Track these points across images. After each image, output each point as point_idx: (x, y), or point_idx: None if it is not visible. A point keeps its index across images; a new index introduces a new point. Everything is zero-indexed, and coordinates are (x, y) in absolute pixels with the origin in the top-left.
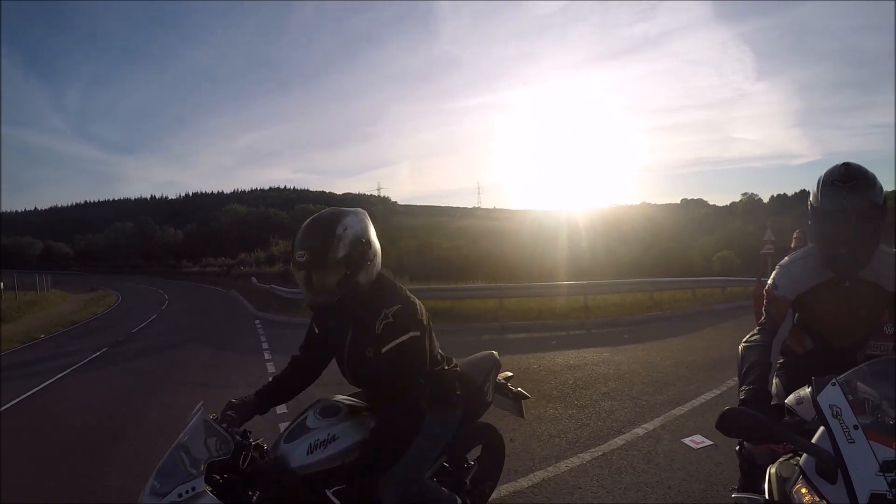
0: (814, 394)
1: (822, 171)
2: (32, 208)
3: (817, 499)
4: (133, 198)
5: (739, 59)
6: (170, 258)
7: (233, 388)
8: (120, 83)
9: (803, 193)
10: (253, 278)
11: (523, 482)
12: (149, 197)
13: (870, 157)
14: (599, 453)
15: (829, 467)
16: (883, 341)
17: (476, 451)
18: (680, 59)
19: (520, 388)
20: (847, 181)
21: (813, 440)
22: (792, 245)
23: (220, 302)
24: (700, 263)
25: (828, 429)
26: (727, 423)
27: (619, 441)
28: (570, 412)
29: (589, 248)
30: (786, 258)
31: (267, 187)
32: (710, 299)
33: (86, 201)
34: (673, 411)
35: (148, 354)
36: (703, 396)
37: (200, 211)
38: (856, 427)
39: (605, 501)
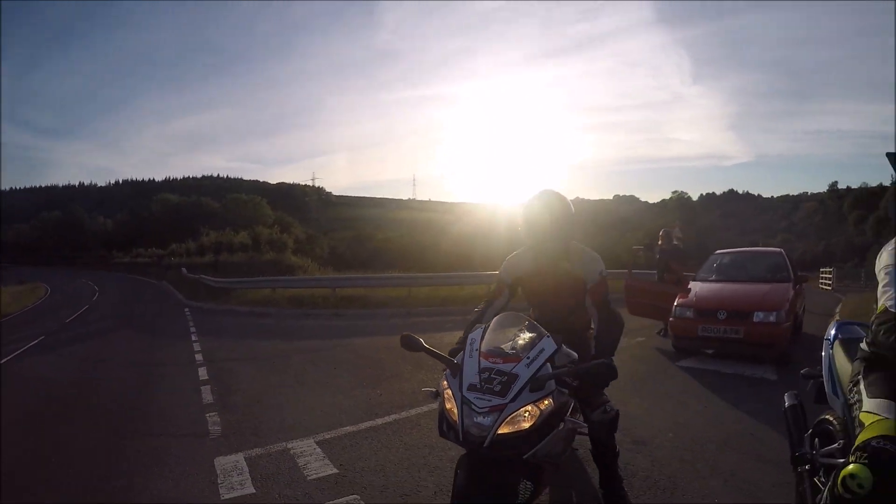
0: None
1: (754, 172)
2: None
3: (446, 383)
4: (61, 185)
5: (678, 63)
6: (100, 248)
7: (163, 366)
8: (51, 64)
9: (731, 193)
10: (183, 269)
11: (388, 418)
12: (77, 184)
13: (800, 161)
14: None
15: (456, 370)
16: (714, 325)
17: None
18: (620, 60)
19: None
20: None
21: (455, 358)
22: (659, 243)
23: (150, 292)
24: (626, 257)
25: (464, 350)
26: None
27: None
28: (432, 375)
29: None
30: (512, 253)
31: (200, 175)
32: (611, 288)
33: (11, 188)
34: None
35: (84, 341)
36: None
37: (131, 199)
38: (476, 350)
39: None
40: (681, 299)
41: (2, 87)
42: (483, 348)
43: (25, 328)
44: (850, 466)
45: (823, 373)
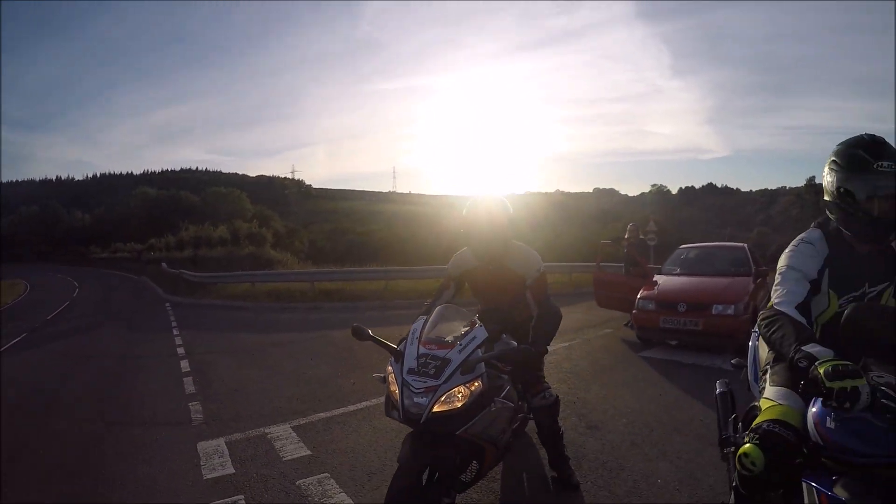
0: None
1: (732, 166)
2: None
3: (390, 369)
4: (38, 179)
5: (657, 57)
6: (78, 244)
7: (146, 359)
8: (22, 54)
9: (710, 186)
10: (163, 263)
11: (360, 405)
12: (54, 178)
13: (777, 156)
14: None
15: (399, 357)
16: (674, 317)
17: None
18: (598, 54)
19: None
20: (881, 158)
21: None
22: (626, 236)
23: (131, 287)
24: (611, 250)
25: (407, 339)
26: None
27: None
28: None
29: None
30: (460, 249)
31: (178, 168)
32: (581, 282)
33: None
34: None
35: (66, 337)
36: None
37: (109, 193)
38: (416, 338)
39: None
40: (644, 292)
41: None
42: (423, 336)
43: (6, 325)
44: (745, 447)
45: (748, 362)
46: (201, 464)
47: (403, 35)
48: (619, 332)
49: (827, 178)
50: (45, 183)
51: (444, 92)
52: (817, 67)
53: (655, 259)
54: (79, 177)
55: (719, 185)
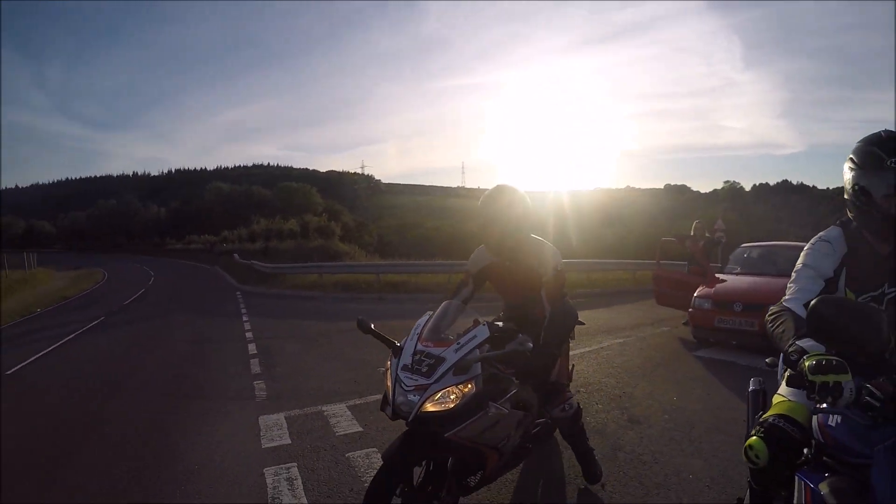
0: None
1: (807, 162)
2: (13, 186)
3: (389, 364)
4: (116, 174)
5: (728, 49)
6: (153, 236)
7: (216, 342)
8: (102, 60)
9: (785, 183)
10: (235, 254)
11: None
12: (131, 174)
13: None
14: None
15: (398, 352)
16: (730, 316)
17: None
18: (669, 47)
19: None
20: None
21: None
22: (691, 233)
23: (204, 277)
24: (675, 247)
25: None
26: None
27: None
28: None
29: (572, 230)
30: (480, 245)
31: (251, 164)
32: (645, 280)
33: (68, 178)
34: None
35: (142, 321)
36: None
37: (184, 188)
38: (416, 335)
39: None
40: (701, 290)
41: (51, 81)
42: (423, 333)
43: (84, 310)
44: (750, 439)
45: (779, 362)
46: (261, 434)
47: (470, 32)
48: (676, 330)
49: (846, 176)
50: (123, 178)
51: (512, 87)
52: (893, 58)
53: (724, 258)
54: (154, 172)
55: (794, 182)
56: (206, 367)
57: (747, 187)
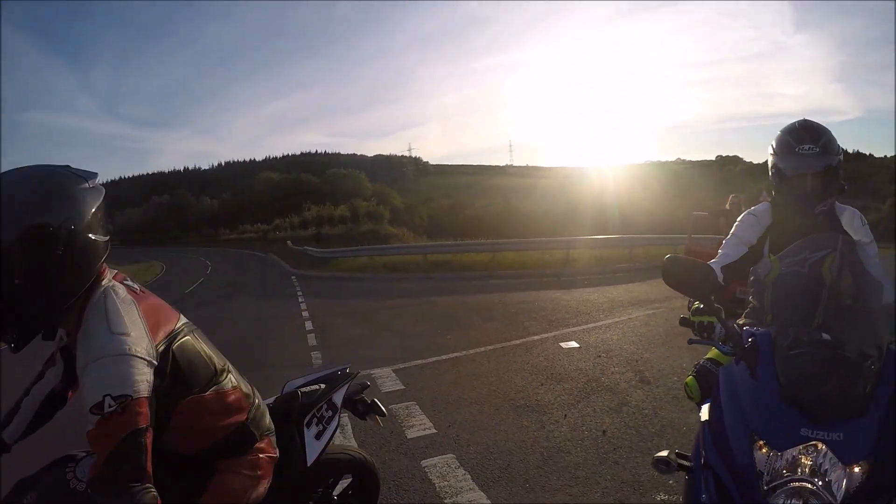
0: None
1: (865, 129)
2: None
3: None
4: (167, 170)
5: (778, 10)
6: (207, 227)
7: (276, 319)
8: (144, 60)
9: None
10: (288, 241)
11: (451, 355)
12: (182, 169)
13: None
14: (500, 346)
15: None
16: (747, 287)
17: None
18: (715, 10)
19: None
20: (802, 142)
21: None
22: (727, 207)
23: (259, 264)
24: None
25: None
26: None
27: (517, 342)
28: (496, 326)
29: (620, 205)
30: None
31: (298, 152)
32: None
33: (120, 177)
34: (565, 329)
35: (206, 305)
36: (595, 323)
37: (234, 179)
38: None
39: (491, 368)
40: None
41: (96, 84)
42: None
43: None
44: (686, 379)
45: None
46: None
47: (510, 8)
48: None
49: (768, 160)
50: (174, 174)
51: (556, 62)
52: None
53: None
54: (205, 166)
55: (850, 151)
56: (267, 341)
57: None
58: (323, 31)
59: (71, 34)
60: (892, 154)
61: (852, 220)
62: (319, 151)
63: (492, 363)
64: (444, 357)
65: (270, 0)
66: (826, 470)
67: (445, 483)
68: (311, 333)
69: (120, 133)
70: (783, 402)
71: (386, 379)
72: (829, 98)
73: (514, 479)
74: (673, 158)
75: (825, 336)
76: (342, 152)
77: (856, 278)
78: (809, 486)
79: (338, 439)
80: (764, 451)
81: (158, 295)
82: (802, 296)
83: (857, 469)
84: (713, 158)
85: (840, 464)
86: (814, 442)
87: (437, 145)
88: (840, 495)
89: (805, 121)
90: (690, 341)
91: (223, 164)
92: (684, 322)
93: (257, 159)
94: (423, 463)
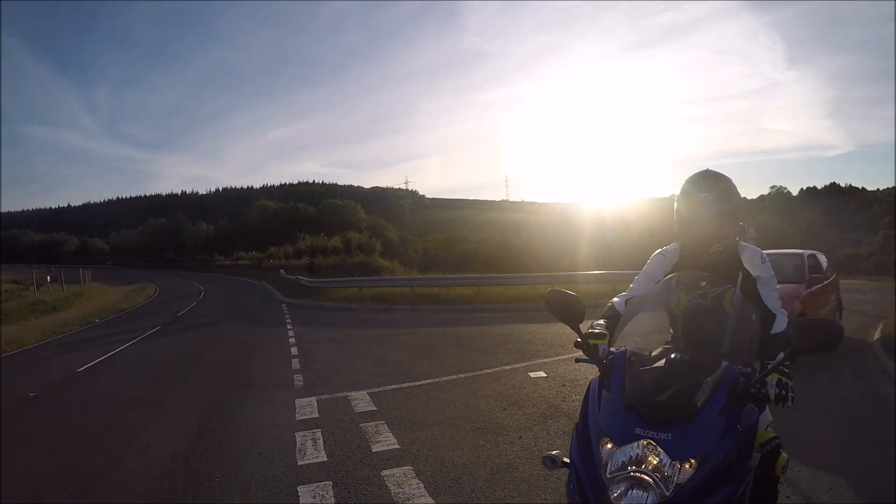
0: None
1: (856, 163)
2: (66, 205)
3: None
4: (164, 193)
5: (770, 48)
6: (202, 252)
7: (263, 344)
8: (148, 82)
9: (833, 186)
10: (281, 270)
11: (424, 382)
12: (180, 192)
13: None
14: (472, 374)
15: None
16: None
17: None
18: (710, 49)
19: None
20: (701, 190)
21: None
22: None
23: (251, 291)
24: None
25: None
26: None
27: (488, 371)
28: (472, 356)
29: (612, 241)
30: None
31: (296, 181)
32: None
33: (118, 198)
34: (536, 360)
35: (197, 329)
36: (567, 355)
37: (231, 205)
38: None
39: (460, 394)
40: None
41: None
42: None
43: (141, 321)
44: None
45: None
46: (295, 411)
47: (509, 43)
48: None
49: (674, 205)
50: (172, 197)
51: (553, 98)
52: None
53: None
54: (203, 191)
55: (843, 185)
56: (254, 364)
57: (794, 191)
58: (326, 60)
59: (77, 51)
60: (885, 187)
61: (752, 259)
62: (317, 181)
63: (461, 389)
64: (417, 383)
65: (276, 27)
66: (660, 465)
67: (400, 490)
68: (295, 358)
69: (120, 154)
70: (628, 408)
71: (360, 401)
72: (820, 133)
73: (462, 490)
74: (667, 195)
75: (680, 356)
76: (339, 183)
77: (756, 310)
78: (643, 476)
79: (308, 450)
80: (609, 446)
81: (151, 317)
82: (707, 325)
83: (687, 466)
84: None
85: (670, 460)
86: (647, 440)
87: (434, 178)
88: (671, 487)
89: (706, 171)
90: (577, 360)
91: (221, 189)
92: (578, 345)
93: (255, 187)
94: (383, 472)
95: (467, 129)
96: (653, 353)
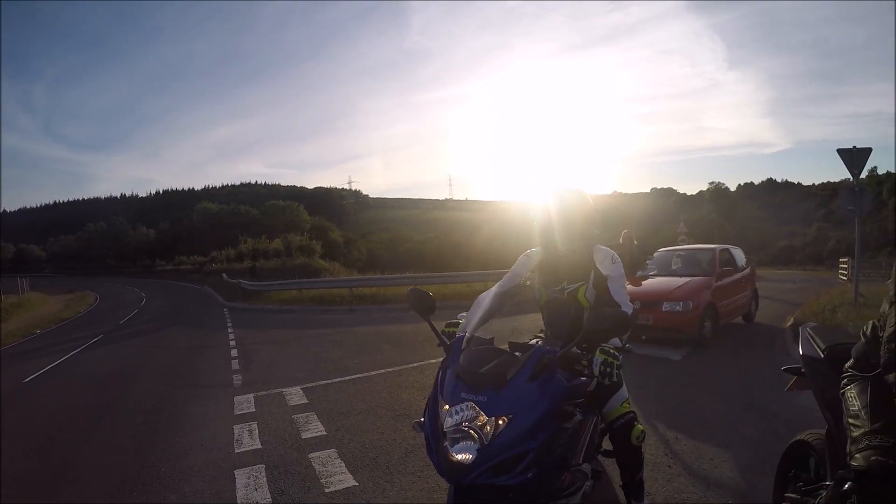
0: None
1: (794, 160)
2: (1, 210)
3: None
4: (103, 196)
5: (711, 49)
6: (144, 257)
7: (205, 348)
8: (87, 80)
9: (770, 182)
10: (223, 274)
11: (354, 376)
12: (119, 195)
13: (837, 146)
14: (399, 368)
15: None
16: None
17: None
18: (654, 49)
19: None
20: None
21: None
22: (620, 241)
23: (194, 296)
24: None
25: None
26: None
27: (415, 364)
28: (402, 351)
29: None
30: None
31: (238, 182)
32: None
33: (55, 202)
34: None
35: (139, 335)
36: None
37: (172, 209)
38: None
39: (385, 386)
40: None
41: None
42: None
43: (83, 330)
44: None
45: None
46: (234, 407)
47: (453, 43)
48: None
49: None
50: (111, 200)
51: (497, 97)
52: (875, 50)
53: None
54: (142, 193)
55: (779, 180)
56: (196, 366)
57: (732, 187)
58: (269, 59)
59: (12, 49)
60: (820, 182)
61: (604, 260)
62: (259, 182)
63: (387, 382)
64: (347, 377)
65: (218, 25)
66: (482, 422)
67: (324, 469)
68: (235, 360)
69: (57, 155)
70: (456, 378)
71: (294, 395)
72: (760, 131)
73: (378, 466)
74: (609, 191)
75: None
76: (282, 183)
77: (606, 303)
78: (469, 430)
79: (245, 440)
80: (445, 408)
81: (93, 326)
82: (566, 315)
83: (500, 421)
84: (648, 190)
85: (485, 416)
86: (470, 402)
87: (377, 178)
88: (488, 437)
89: (558, 189)
90: (440, 344)
91: (161, 192)
92: (435, 332)
93: (196, 188)
94: (310, 455)
95: (411, 129)
96: (529, 341)
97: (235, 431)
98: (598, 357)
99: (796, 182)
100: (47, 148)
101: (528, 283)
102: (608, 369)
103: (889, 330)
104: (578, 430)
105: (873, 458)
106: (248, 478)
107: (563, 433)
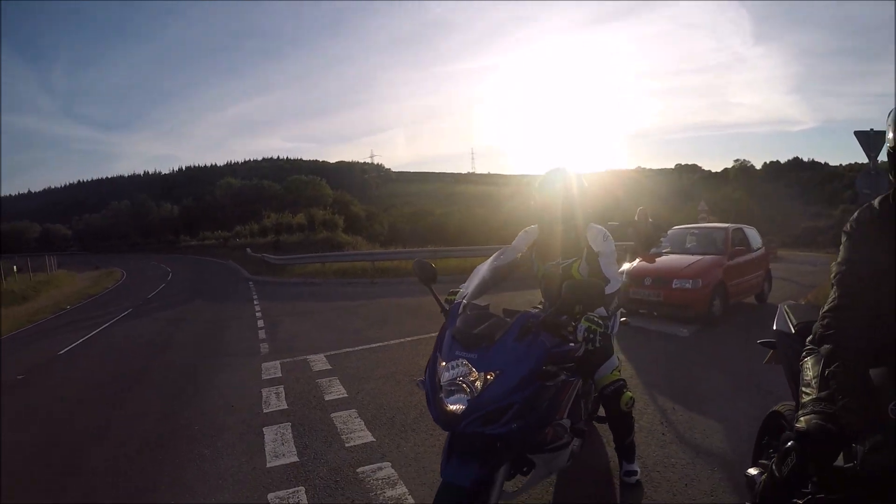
0: None
1: (820, 139)
2: (26, 191)
3: None
4: (126, 174)
5: (737, 23)
6: (168, 233)
7: (232, 319)
8: (105, 60)
9: (796, 161)
10: (248, 249)
11: (375, 345)
12: (142, 173)
13: (866, 126)
14: (419, 337)
15: None
16: (641, 289)
17: None
18: (677, 23)
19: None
20: (548, 185)
21: None
22: (635, 218)
23: (219, 270)
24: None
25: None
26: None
27: (434, 334)
28: (421, 322)
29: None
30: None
31: (260, 158)
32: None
33: (79, 181)
34: None
35: (167, 309)
36: None
37: (195, 185)
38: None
39: (405, 354)
40: (623, 266)
41: (55, 84)
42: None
43: (111, 305)
44: None
45: None
46: (262, 373)
47: (474, 14)
48: None
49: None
50: (134, 178)
51: (519, 70)
52: None
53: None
54: (165, 171)
55: (806, 160)
56: (223, 337)
57: (758, 165)
58: (289, 33)
59: (30, 31)
60: (847, 162)
61: (596, 237)
62: (281, 157)
63: (406, 350)
64: (369, 346)
65: (236, 0)
66: (470, 376)
67: (345, 426)
68: (261, 330)
69: (79, 135)
70: (452, 338)
71: (317, 362)
72: (785, 108)
73: (394, 425)
74: (633, 167)
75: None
76: (304, 158)
77: (597, 278)
78: (462, 384)
79: (272, 401)
80: (442, 364)
81: (120, 301)
82: (557, 286)
83: (488, 377)
84: (672, 167)
85: (476, 372)
86: (463, 359)
87: (399, 152)
88: (478, 390)
89: (555, 169)
90: (441, 310)
91: (184, 168)
92: (437, 301)
93: (219, 164)
94: (332, 415)
95: (432, 102)
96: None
97: (263, 394)
98: (583, 324)
99: (823, 162)
100: (69, 128)
101: (520, 255)
102: (591, 335)
103: (825, 307)
104: (562, 390)
105: (814, 421)
106: (276, 434)
107: (546, 391)
